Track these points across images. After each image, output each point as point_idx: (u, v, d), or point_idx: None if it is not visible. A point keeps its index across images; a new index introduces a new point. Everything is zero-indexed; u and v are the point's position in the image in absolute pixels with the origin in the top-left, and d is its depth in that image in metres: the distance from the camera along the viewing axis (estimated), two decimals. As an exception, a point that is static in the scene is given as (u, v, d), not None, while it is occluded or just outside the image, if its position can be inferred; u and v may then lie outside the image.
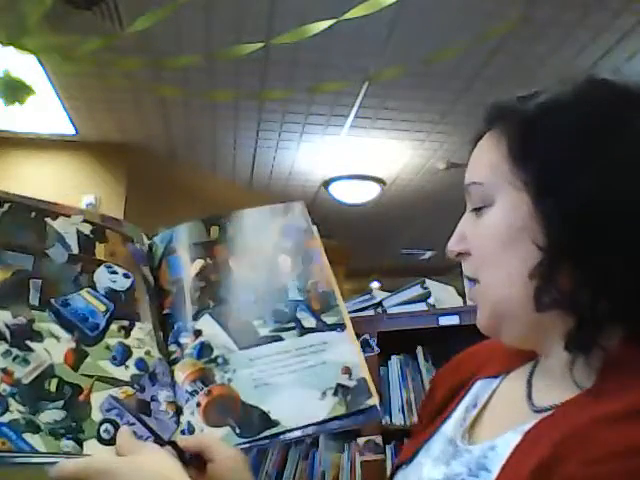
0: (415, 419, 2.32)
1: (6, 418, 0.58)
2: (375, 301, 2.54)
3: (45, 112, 3.76)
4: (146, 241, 0.79)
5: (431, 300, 2.42)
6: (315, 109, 3.90)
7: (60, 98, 3.61)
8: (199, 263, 0.77)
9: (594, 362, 0.52)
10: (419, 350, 2.38)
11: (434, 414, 0.71)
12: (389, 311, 2.49)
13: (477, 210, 0.60)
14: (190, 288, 0.75)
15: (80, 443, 0.60)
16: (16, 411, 0.59)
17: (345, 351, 0.71)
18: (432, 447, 0.65)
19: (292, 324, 0.73)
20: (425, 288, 2.46)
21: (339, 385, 0.69)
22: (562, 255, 0.53)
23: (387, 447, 2.36)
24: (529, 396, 0.59)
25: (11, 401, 0.59)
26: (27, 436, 0.58)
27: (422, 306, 2.43)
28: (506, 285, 0.57)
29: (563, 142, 0.55)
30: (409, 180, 5.23)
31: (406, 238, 6.90)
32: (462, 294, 2.43)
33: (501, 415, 0.61)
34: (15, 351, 0.62)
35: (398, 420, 2.36)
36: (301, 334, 0.72)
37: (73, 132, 4.09)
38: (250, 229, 0.80)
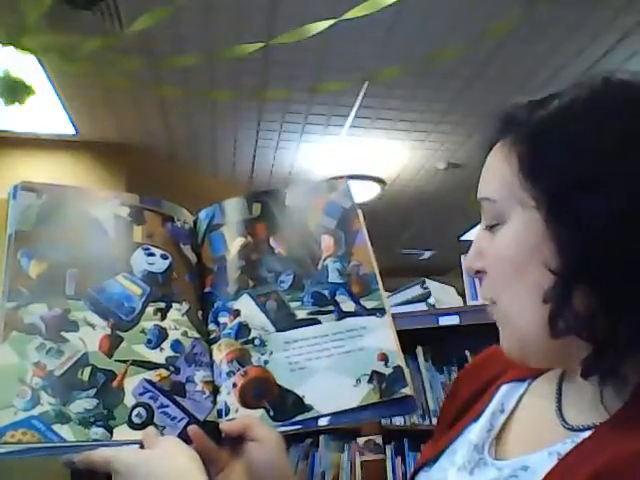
0: (415, 419, 2.32)
1: (36, 411, 0.59)
2: (375, 301, 2.54)
3: (45, 112, 3.75)
4: (190, 218, 0.78)
5: (431, 300, 2.42)
6: (315, 109, 3.90)
7: (60, 98, 3.61)
8: (240, 241, 0.76)
9: (624, 387, 0.50)
10: (419, 350, 2.38)
11: (457, 414, 0.68)
12: (389, 311, 2.49)
13: (491, 228, 0.57)
14: (231, 267, 0.75)
15: (110, 430, 0.61)
16: (47, 403, 0.60)
17: (383, 337, 0.70)
18: (456, 452, 0.63)
19: (331, 307, 0.72)
20: (425, 288, 2.46)
21: (374, 372, 0.68)
22: (577, 279, 0.49)
23: (387, 447, 2.37)
24: (559, 409, 0.57)
25: (42, 394, 0.60)
26: (56, 427, 0.59)
27: (422, 306, 2.43)
28: (523, 310, 0.54)
29: (576, 155, 0.50)
30: (409, 180, 5.23)
31: (406, 238, 6.90)
32: (462, 294, 2.43)
33: (531, 428, 0.59)
34: (49, 344, 0.62)
35: (398, 420, 2.36)
36: (339, 318, 0.72)
37: (73, 132, 4.08)
38: (292, 207, 0.78)
